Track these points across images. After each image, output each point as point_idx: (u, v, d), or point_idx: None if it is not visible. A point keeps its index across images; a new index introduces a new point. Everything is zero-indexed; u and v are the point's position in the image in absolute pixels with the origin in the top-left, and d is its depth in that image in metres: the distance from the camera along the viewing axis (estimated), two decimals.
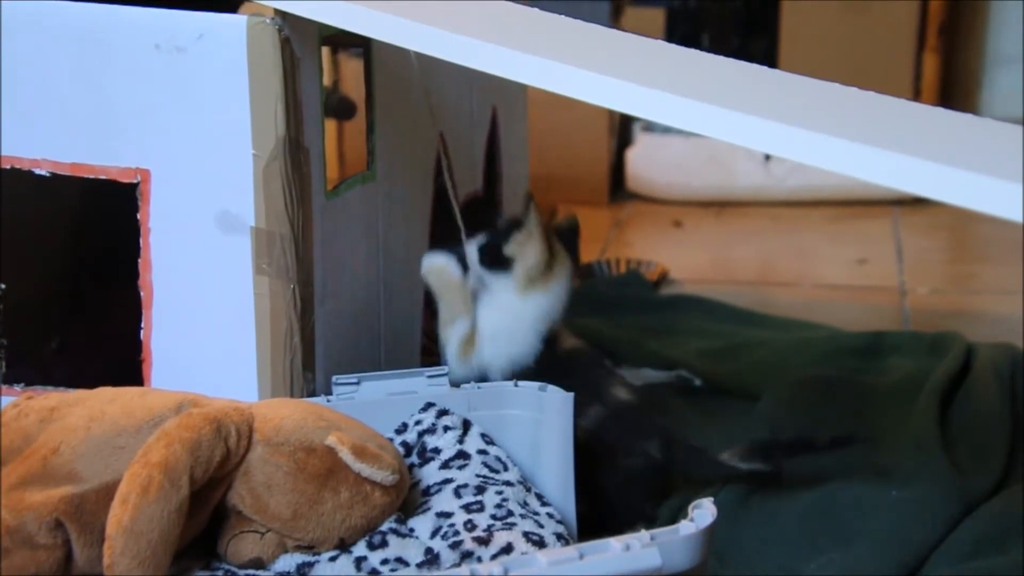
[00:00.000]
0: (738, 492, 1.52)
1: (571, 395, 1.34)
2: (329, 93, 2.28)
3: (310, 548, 1.20)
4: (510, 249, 1.53)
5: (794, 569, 1.41)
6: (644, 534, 1.06)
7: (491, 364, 1.53)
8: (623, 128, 3.09)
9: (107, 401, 1.23)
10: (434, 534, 1.23)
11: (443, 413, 1.35)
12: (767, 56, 3.10)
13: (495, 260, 1.53)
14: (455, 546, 1.19)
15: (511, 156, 2.07)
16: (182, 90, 1.34)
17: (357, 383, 1.37)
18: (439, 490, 1.29)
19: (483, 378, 1.52)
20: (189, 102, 1.34)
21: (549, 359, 1.54)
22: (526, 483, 1.33)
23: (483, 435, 1.35)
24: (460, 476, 1.30)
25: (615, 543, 1.05)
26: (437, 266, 1.56)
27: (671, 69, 1.35)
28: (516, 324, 1.53)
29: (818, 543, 1.44)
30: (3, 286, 1.55)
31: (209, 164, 1.35)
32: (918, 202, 2.85)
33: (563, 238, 1.59)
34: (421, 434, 1.34)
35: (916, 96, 3.09)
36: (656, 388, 1.89)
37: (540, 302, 1.54)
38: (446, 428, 1.33)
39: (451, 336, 1.55)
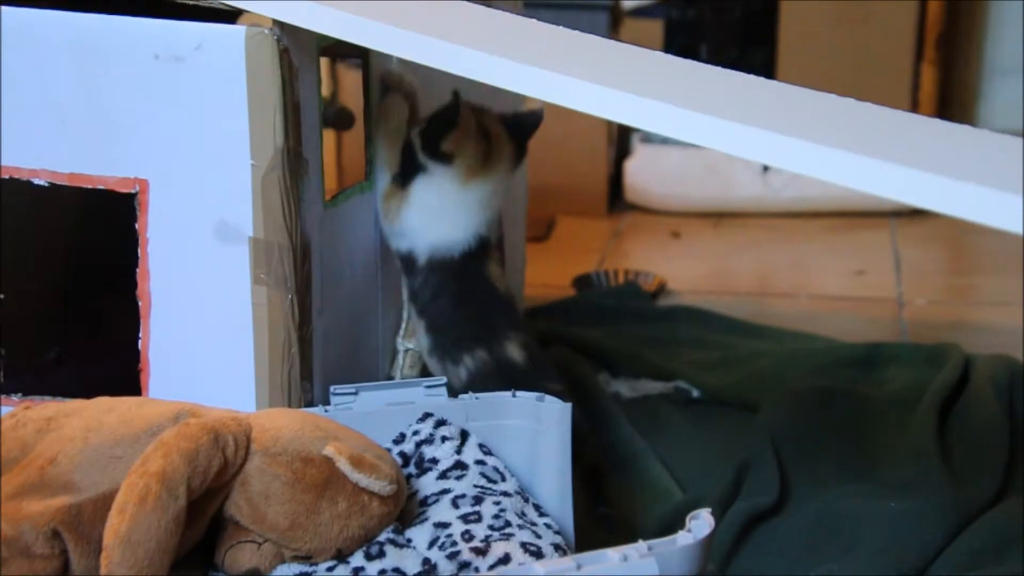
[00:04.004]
0: (738, 503, 1.52)
1: (569, 405, 1.34)
2: (328, 103, 2.29)
3: (307, 558, 1.20)
4: (446, 146, 1.53)
5: None
6: (642, 544, 1.07)
7: (415, 235, 1.55)
8: (621, 139, 3.10)
9: (104, 411, 1.23)
10: (432, 544, 1.23)
11: (441, 423, 1.35)
12: (765, 67, 3.10)
13: (434, 150, 1.54)
14: (452, 556, 1.19)
15: None
16: (180, 100, 1.34)
17: (355, 393, 1.37)
18: (437, 500, 1.29)
19: (407, 247, 1.55)
20: (187, 112, 1.34)
21: (471, 269, 1.56)
22: (524, 493, 1.33)
23: (481, 445, 1.35)
24: (458, 486, 1.30)
25: (612, 553, 1.05)
26: (383, 105, 1.57)
27: (669, 80, 1.35)
28: (452, 208, 1.55)
29: (817, 553, 1.45)
30: (1, 296, 1.55)
31: (207, 174, 1.35)
32: (916, 213, 2.85)
33: (517, 126, 1.61)
34: (419, 444, 1.34)
35: (914, 107, 3.09)
36: (653, 399, 1.89)
37: (478, 190, 1.56)
38: (444, 438, 1.33)
39: (378, 183, 1.57)
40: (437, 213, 1.55)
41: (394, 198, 1.55)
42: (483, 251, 1.57)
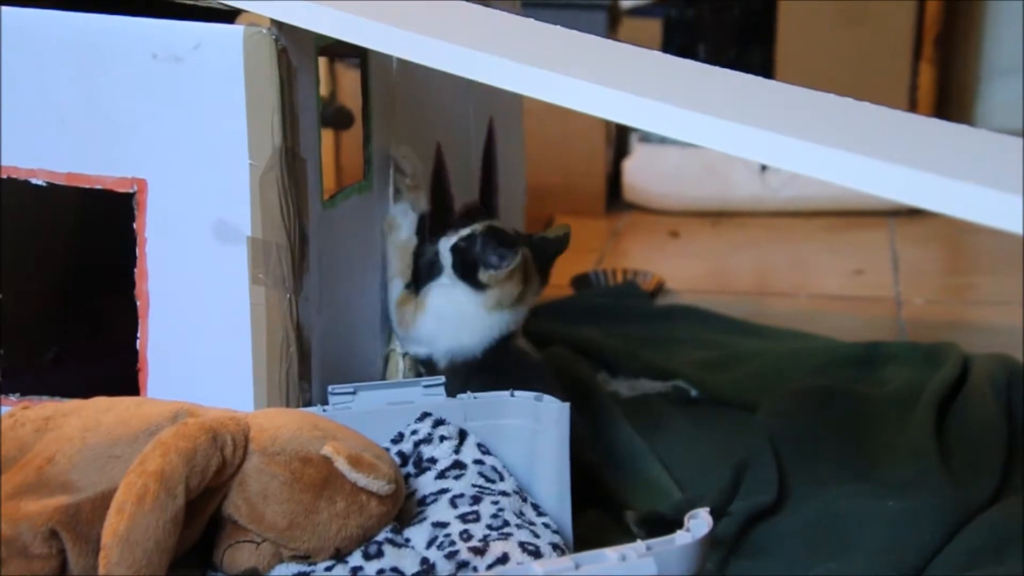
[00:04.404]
0: (737, 503, 1.52)
1: (567, 405, 1.34)
2: (326, 103, 2.29)
3: (306, 558, 1.20)
4: (485, 277, 1.53)
5: None
6: (640, 544, 1.07)
7: (432, 342, 1.56)
8: (620, 138, 3.09)
9: (102, 411, 1.23)
10: (430, 544, 1.23)
11: (439, 423, 1.35)
12: (763, 67, 3.10)
13: (466, 274, 1.54)
14: (451, 556, 1.19)
15: (508, 167, 2.07)
16: (179, 100, 1.34)
17: (353, 393, 1.37)
18: (435, 500, 1.29)
19: (425, 353, 1.56)
20: (186, 112, 1.34)
21: (497, 355, 1.55)
22: (522, 493, 1.33)
23: (479, 445, 1.35)
24: (456, 486, 1.30)
25: (611, 553, 1.05)
26: (389, 219, 1.58)
27: (668, 80, 1.35)
28: (470, 324, 1.55)
29: (816, 553, 1.44)
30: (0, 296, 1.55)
31: (205, 174, 1.35)
32: (914, 213, 2.85)
33: (546, 248, 1.59)
34: (417, 444, 1.34)
35: (912, 107, 3.09)
36: (652, 399, 1.89)
37: (501, 318, 1.56)
38: (442, 438, 1.33)
39: (390, 291, 1.58)
40: (454, 323, 1.55)
41: (408, 304, 1.56)
42: (506, 341, 1.57)
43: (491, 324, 1.55)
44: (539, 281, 1.59)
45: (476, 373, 1.53)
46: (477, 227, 1.55)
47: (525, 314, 1.59)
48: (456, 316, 1.55)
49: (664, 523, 1.45)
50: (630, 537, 1.38)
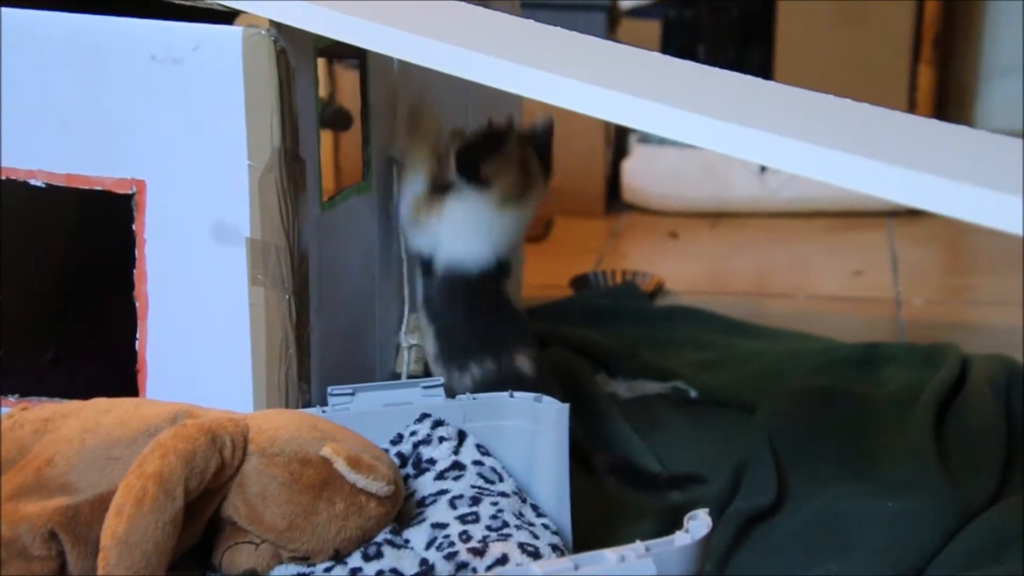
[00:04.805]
0: (736, 504, 1.52)
1: (566, 406, 1.34)
2: (325, 104, 2.29)
3: (305, 559, 1.20)
4: (487, 170, 1.55)
5: None
6: (639, 545, 1.07)
7: (439, 245, 1.57)
8: (619, 139, 3.10)
9: (102, 412, 1.23)
10: (429, 545, 1.23)
11: (438, 424, 1.35)
12: (763, 68, 3.10)
13: (472, 174, 1.55)
14: (450, 557, 1.19)
15: None
16: (178, 101, 1.34)
17: (352, 394, 1.37)
18: (434, 501, 1.29)
19: (428, 252, 1.57)
20: (185, 113, 1.34)
21: (488, 286, 1.58)
22: (521, 494, 1.33)
23: (478, 446, 1.35)
24: (455, 487, 1.30)
25: (610, 554, 1.05)
26: (412, 108, 1.60)
27: (667, 81, 1.35)
28: (481, 231, 1.57)
29: (816, 554, 1.44)
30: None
31: (205, 175, 1.35)
32: (913, 213, 2.86)
33: (536, 142, 1.62)
34: (416, 445, 1.34)
35: (911, 108, 3.09)
36: (651, 399, 1.89)
37: (508, 218, 1.58)
38: (441, 439, 1.33)
39: (406, 189, 1.59)
40: (466, 232, 1.57)
41: (429, 202, 1.57)
42: (502, 271, 1.59)
43: (501, 229, 1.57)
44: (541, 174, 1.61)
45: (468, 292, 1.56)
46: (477, 132, 1.60)
47: (529, 218, 1.61)
48: (468, 225, 1.56)
49: (635, 475, 1.56)
50: (629, 538, 1.38)
